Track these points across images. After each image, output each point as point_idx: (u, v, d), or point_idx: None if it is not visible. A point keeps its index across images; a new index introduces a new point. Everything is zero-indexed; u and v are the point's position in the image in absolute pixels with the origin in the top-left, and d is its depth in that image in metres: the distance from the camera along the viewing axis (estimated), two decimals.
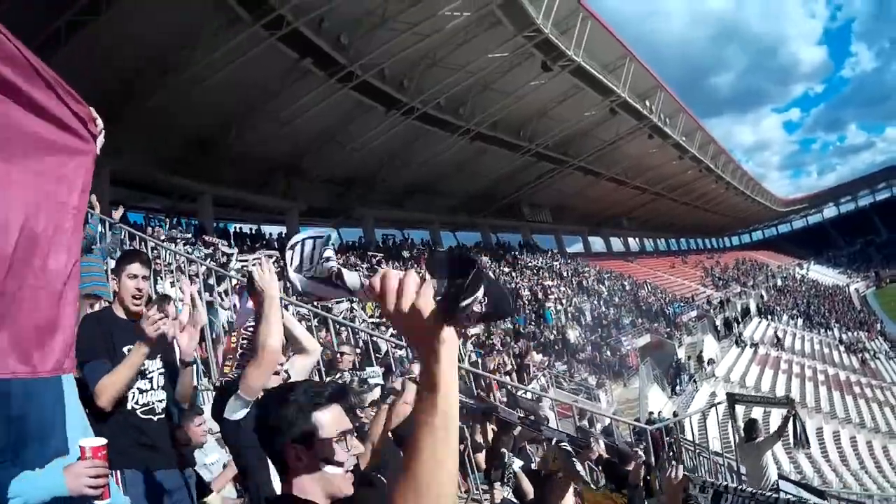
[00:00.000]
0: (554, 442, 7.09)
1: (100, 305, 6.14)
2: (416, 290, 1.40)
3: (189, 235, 22.73)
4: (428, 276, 1.42)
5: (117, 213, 9.19)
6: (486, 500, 7.64)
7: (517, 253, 50.23)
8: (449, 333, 1.42)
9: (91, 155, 2.62)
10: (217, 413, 3.71)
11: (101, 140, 2.68)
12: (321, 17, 25.17)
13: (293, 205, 36.04)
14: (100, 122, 2.67)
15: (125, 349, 4.01)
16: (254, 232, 34.25)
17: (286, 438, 2.27)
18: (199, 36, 23.49)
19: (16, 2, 18.04)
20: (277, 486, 2.93)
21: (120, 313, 4.26)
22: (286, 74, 27.41)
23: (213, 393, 5.94)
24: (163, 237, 18.29)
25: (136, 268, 4.27)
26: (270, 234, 34.41)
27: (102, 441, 2.79)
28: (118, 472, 3.81)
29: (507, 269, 44.09)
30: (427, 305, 1.39)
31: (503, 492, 6.38)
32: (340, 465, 2.29)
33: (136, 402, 4.05)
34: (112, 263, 4.17)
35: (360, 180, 38.37)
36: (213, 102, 26.44)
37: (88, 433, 3.14)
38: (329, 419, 2.33)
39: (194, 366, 4.47)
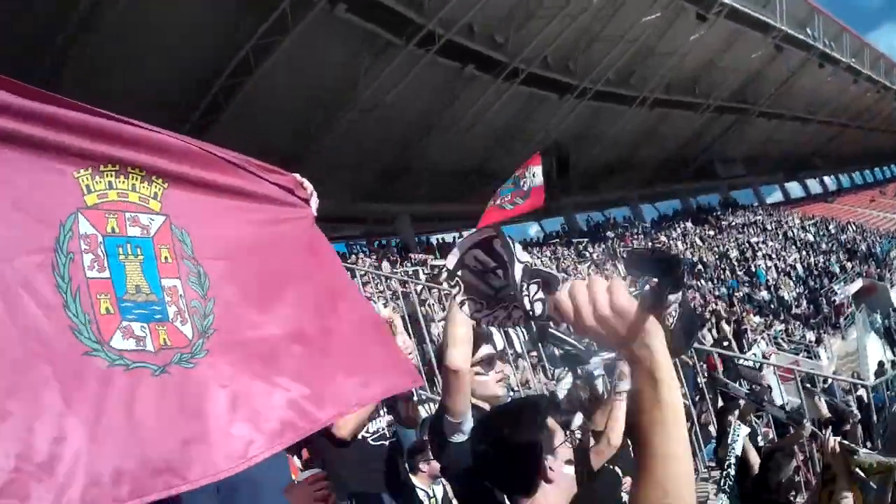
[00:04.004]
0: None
1: None
2: (609, 291, 1.36)
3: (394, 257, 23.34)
4: (616, 273, 1.45)
5: None
6: (713, 477, 7.56)
7: (719, 213, 48.60)
8: (654, 323, 1.36)
9: (309, 219, 2.72)
10: (435, 431, 3.52)
11: (314, 201, 2.76)
12: (469, 23, 25.47)
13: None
14: (308, 184, 2.76)
15: None
16: (457, 240, 34.87)
17: (538, 454, 2.28)
18: (358, 69, 24.17)
19: (168, 80, 19.58)
20: None
21: None
22: (453, 85, 27.86)
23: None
24: (367, 263, 18.83)
25: None
26: None
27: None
28: (352, 500, 3.99)
29: (711, 233, 42.83)
30: (628, 301, 1.34)
31: (717, 501, 6.32)
32: (572, 463, 2.34)
33: (367, 431, 4.15)
34: None
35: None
36: (388, 127, 27.05)
37: None
38: (555, 425, 2.38)
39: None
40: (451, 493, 5.77)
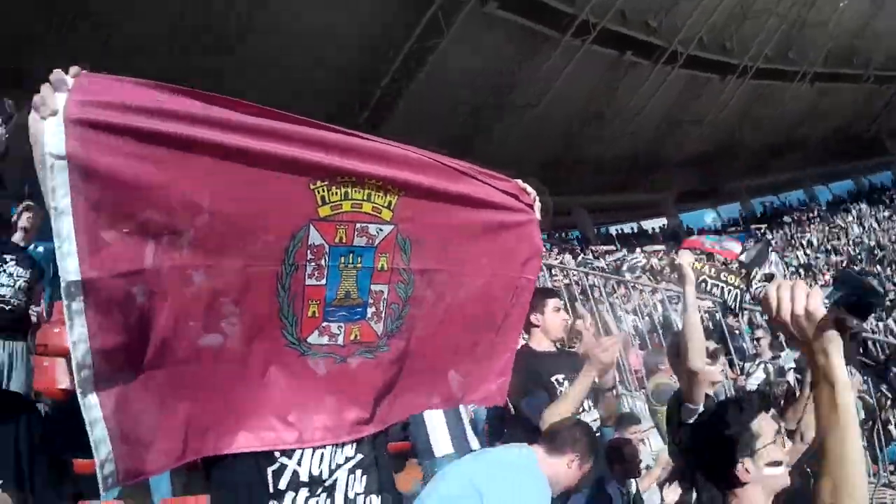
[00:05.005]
0: None
1: None
2: (807, 296, 1.55)
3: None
4: (818, 285, 1.56)
5: None
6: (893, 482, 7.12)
7: (892, 192, 45.24)
8: (834, 333, 1.53)
9: (532, 224, 2.77)
10: (674, 416, 4.16)
11: (538, 206, 2.79)
12: (621, 9, 25.33)
13: (665, 195, 36.32)
14: (531, 190, 2.78)
15: (552, 379, 4.27)
16: (636, 230, 35.11)
17: (736, 456, 2.43)
18: (518, 65, 24.41)
19: (325, 91, 20.16)
20: None
21: (538, 346, 4.46)
22: (613, 73, 27.78)
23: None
24: (551, 256, 18.65)
25: (557, 301, 4.59)
26: (653, 229, 35.07)
27: None
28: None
29: (886, 214, 40.00)
30: (819, 308, 1.53)
31: None
32: (780, 463, 2.45)
33: None
34: None
35: (720, 154, 37.46)
36: (553, 120, 27.26)
37: None
38: (764, 425, 2.49)
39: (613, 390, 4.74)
40: (641, 490, 5.92)
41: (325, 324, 2.33)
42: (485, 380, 2.80)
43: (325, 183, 2.20)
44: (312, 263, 2.24)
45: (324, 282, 2.29)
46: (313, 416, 2.33)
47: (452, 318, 2.63)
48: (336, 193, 2.23)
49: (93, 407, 1.85)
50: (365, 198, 2.30)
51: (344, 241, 2.29)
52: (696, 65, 29.96)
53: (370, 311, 2.42)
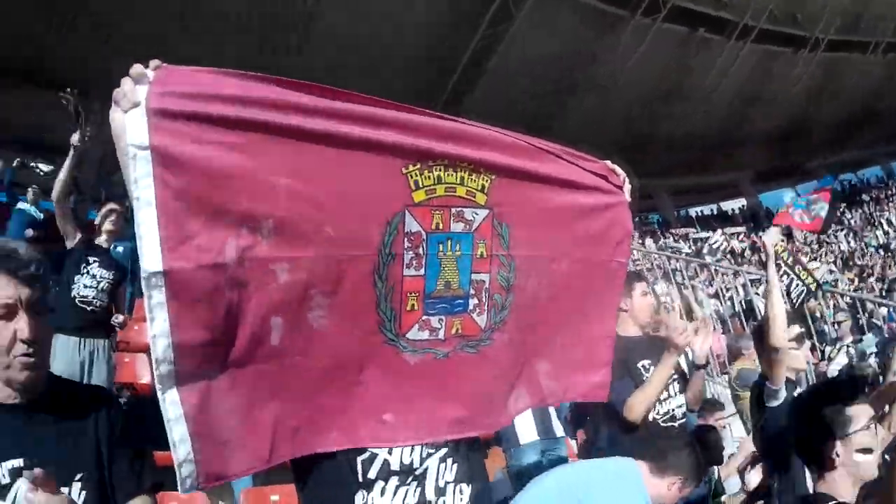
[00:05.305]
0: None
1: None
2: None
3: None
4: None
5: None
6: None
7: None
8: None
9: (622, 206, 2.68)
10: (757, 399, 4.23)
11: (627, 187, 2.72)
12: None
13: (742, 174, 35.93)
14: (619, 171, 2.71)
15: (639, 365, 4.22)
16: (715, 212, 34.91)
17: (828, 437, 2.42)
18: (588, 48, 24.25)
19: (394, 88, 19.71)
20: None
21: (626, 331, 4.32)
22: (685, 51, 27.41)
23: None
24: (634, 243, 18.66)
25: (644, 286, 4.55)
26: (732, 210, 35.00)
27: None
28: None
29: None
30: None
31: None
32: (871, 451, 2.43)
33: (658, 413, 4.18)
34: None
35: (795, 130, 36.45)
36: (627, 102, 27.14)
37: None
38: (860, 411, 2.47)
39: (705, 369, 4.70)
40: (722, 477, 6.02)
41: (425, 317, 2.25)
42: (586, 372, 2.70)
43: (417, 166, 2.13)
44: (410, 252, 2.17)
45: (422, 272, 2.21)
46: (410, 416, 2.26)
47: (550, 308, 2.54)
48: (429, 177, 2.16)
49: (173, 404, 1.80)
50: (458, 181, 2.22)
51: (441, 227, 2.22)
52: (769, 39, 29.35)
53: (472, 302, 2.33)
